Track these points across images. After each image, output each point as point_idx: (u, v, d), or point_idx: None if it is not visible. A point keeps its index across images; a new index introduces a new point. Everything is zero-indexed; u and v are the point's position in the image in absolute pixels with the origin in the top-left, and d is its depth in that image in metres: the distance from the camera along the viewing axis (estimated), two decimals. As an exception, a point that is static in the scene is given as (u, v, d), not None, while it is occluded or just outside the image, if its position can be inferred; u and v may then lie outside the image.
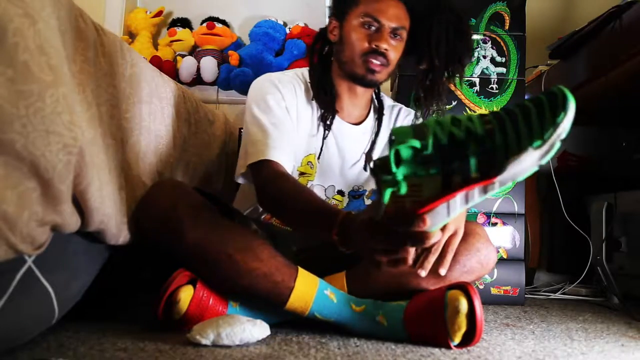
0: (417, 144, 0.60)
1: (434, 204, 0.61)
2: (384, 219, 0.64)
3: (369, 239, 0.68)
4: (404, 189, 0.61)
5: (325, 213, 0.83)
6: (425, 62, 1.07)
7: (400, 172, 0.61)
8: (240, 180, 1.05)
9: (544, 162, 0.61)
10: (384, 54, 1.04)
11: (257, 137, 1.01)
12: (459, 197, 0.61)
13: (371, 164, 0.63)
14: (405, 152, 0.61)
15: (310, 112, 1.13)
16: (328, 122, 1.11)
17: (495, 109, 1.51)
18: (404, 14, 1.07)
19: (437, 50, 1.04)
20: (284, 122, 1.05)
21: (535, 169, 0.62)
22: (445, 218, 0.62)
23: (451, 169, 0.61)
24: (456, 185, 0.61)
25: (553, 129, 0.58)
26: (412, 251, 0.67)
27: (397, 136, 0.61)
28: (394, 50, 1.06)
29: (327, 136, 1.12)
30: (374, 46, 1.04)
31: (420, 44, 1.07)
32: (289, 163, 1.01)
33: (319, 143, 1.13)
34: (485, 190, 0.61)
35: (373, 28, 1.05)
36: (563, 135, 0.58)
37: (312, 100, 1.13)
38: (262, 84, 1.10)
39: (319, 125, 1.13)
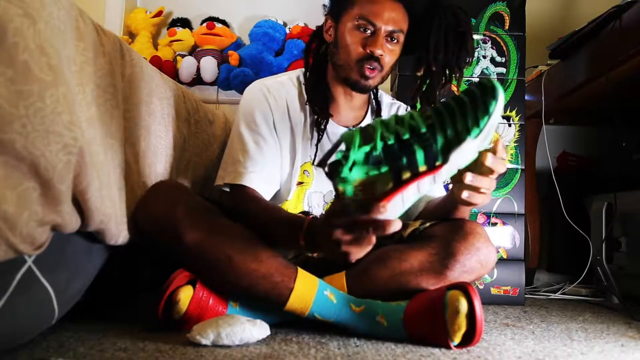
0: (366, 148, 0.66)
1: (389, 197, 0.67)
2: (343, 212, 0.70)
3: (331, 231, 0.72)
4: (350, 192, 0.67)
5: (292, 222, 0.88)
6: (422, 68, 1.03)
7: (352, 176, 0.66)
8: (219, 187, 1.07)
9: (482, 148, 0.70)
10: (379, 59, 1.02)
11: (238, 157, 1.04)
12: (411, 187, 0.68)
13: (325, 169, 0.68)
14: (356, 155, 0.66)
15: (303, 118, 1.11)
16: (322, 127, 1.09)
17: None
18: (402, 15, 1.03)
19: (435, 57, 1.00)
20: (268, 141, 1.06)
21: (476, 155, 0.71)
22: (401, 208, 0.69)
23: (400, 165, 0.67)
24: (407, 179, 0.67)
25: (487, 117, 0.66)
26: (373, 237, 0.71)
27: (347, 141, 0.66)
28: (389, 54, 1.03)
29: (320, 140, 1.10)
30: (368, 52, 1.01)
31: (419, 48, 1.04)
32: (265, 186, 1.03)
33: (313, 149, 1.11)
34: (434, 179, 0.68)
35: (368, 32, 1.02)
36: (496, 122, 0.67)
37: (306, 104, 1.11)
38: (252, 95, 1.10)
39: (312, 131, 1.11)
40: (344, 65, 1.05)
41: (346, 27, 1.04)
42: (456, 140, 0.67)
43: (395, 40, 1.04)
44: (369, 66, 1.02)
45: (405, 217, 1.19)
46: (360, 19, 1.02)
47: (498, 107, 0.67)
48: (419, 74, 1.04)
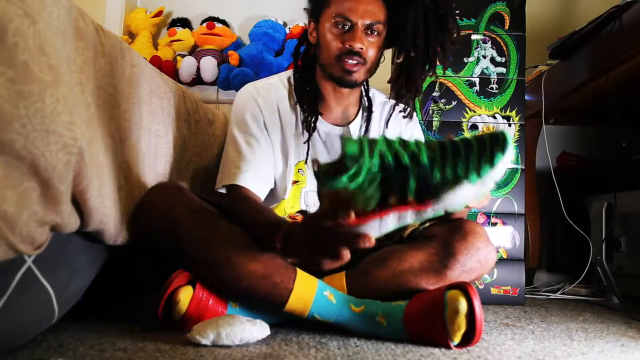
0: (366, 161, 0.63)
1: (368, 217, 0.64)
2: (321, 218, 0.68)
3: (307, 239, 0.73)
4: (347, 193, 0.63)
5: (272, 224, 0.87)
6: (401, 54, 1.02)
7: (343, 181, 0.62)
8: (220, 190, 1.07)
9: (476, 199, 0.66)
10: (359, 53, 1.02)
11: (232, 158, 1.05)
12: (392, 215, 0.65)
13: (315, 167, 0.65)
14: (351, 164, 0.63)
15: (294, 117, 1.12)
16: (312, 125, 1.10)
17: (495, 110, 1.51)
18: (378, 7, 1.03)
19: (414, 41, 0.99)
20: (259, 140, 1.07)
21: (467, 203, 0.66)
22: (376, 232, 0.66)
23: (390, 187, 0.64)
24: (391, 204, 0.64)
25: (490, 169, 0.63)
26: (347, 252, 0.69)
27: (347, 149, 0.63)
28: (370, 47, 1.03)
29: (310, 139, 1.11)
30: (347, 46, 1.02)
31: (398, 35, 1.03)
32: (258, 184, 1.04)
33: (305, 147, 1.12)
34: (417, 214, 0.65)
35: (346, 27, 1.03)
36: (497, 177, 0.64)
37: (296, 104, 1.12)
38: (242, 97, 1.12)
39: (303, 129, 1.12)
40: (327, 63, 1.07)
41: (325, 27, 1.05)
42: (452, 183, 0.64)
43: (375, 32, 1.04)
44: (348, 60, 1.03)
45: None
46: (337, 16, 1.03)
47: (503, 162, 0.64)
48: (398, 61, 1.03)
